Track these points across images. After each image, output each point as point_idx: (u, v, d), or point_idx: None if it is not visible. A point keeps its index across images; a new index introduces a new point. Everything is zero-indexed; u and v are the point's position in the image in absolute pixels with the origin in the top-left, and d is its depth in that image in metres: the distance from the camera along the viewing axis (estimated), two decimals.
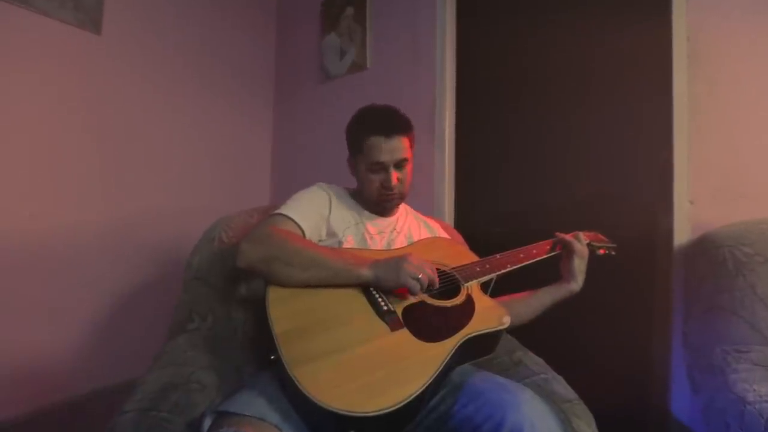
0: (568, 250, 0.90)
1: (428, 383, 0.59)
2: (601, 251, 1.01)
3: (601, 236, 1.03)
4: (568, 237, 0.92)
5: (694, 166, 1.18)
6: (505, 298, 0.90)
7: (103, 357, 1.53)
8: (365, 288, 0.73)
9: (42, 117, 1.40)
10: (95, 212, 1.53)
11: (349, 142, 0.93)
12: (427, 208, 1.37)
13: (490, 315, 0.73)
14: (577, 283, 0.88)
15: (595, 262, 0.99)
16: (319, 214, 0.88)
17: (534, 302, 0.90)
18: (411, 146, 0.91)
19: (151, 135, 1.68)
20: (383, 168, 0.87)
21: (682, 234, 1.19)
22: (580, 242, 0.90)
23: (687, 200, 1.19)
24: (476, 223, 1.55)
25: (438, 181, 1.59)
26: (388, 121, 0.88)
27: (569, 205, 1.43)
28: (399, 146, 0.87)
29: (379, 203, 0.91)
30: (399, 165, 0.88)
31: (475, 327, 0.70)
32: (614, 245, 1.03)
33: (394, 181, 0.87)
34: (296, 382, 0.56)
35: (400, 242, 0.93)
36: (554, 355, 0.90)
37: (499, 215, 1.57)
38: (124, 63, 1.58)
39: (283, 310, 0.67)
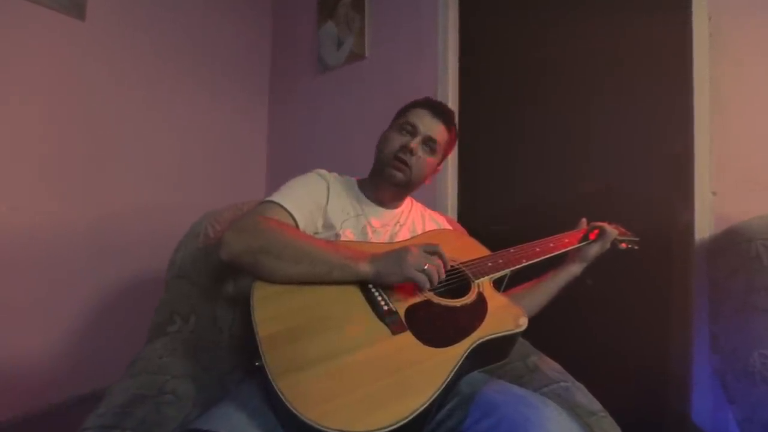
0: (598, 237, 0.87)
1: (436, 395, 0.51)
2: (623, 245, 0.94)
3: (623, 229, 0.96)
4: (607, 226, 0.89)
5: (716, 155, 1.10)
6: (510, 291, 0.84)
7: (88, 361, 1.45)
8: (363, 285, 0.65)
9: (23, 105, 1.33)
10: (80, 207, 1.46)
11: (395, 116, 0.90)
12: (430, 204, 1.30)
13: (504, 315, 0.65)
14: (580, 267, 0.87)
15: (609, 258, 0.92)
16: (315, 204, 0.80)
17: (541, 293, 0.85)
18: (443, 148, 0.88)
19: (138, 126, 1.60)
20: (412, 132, 0.83)
21: (703, 227, 1.11)
22: (612, 233, 0.88)
23: (709, 191, 1.11)
24: (481, 220, 1.48)
25: (440, 175, 1.51)
26: (440, 106, 0.87)
27: (580, 200, 1.36)
28: (437, 129, 0.85)
29: (387, 165, 0.83)
30: (426, 143, 0.84)
31: (488, 329, 0.61)
32: (637, 239, 0.96)
33: (414, 147, 0.81)
34: (281, 395, 0.48)
35: (403, 235, 0.86)
36: (564, 358, 0.83)
37: (504, 211, 1.50)
38: (109, 51, 1.51)
39: (270, 310, 0.59)
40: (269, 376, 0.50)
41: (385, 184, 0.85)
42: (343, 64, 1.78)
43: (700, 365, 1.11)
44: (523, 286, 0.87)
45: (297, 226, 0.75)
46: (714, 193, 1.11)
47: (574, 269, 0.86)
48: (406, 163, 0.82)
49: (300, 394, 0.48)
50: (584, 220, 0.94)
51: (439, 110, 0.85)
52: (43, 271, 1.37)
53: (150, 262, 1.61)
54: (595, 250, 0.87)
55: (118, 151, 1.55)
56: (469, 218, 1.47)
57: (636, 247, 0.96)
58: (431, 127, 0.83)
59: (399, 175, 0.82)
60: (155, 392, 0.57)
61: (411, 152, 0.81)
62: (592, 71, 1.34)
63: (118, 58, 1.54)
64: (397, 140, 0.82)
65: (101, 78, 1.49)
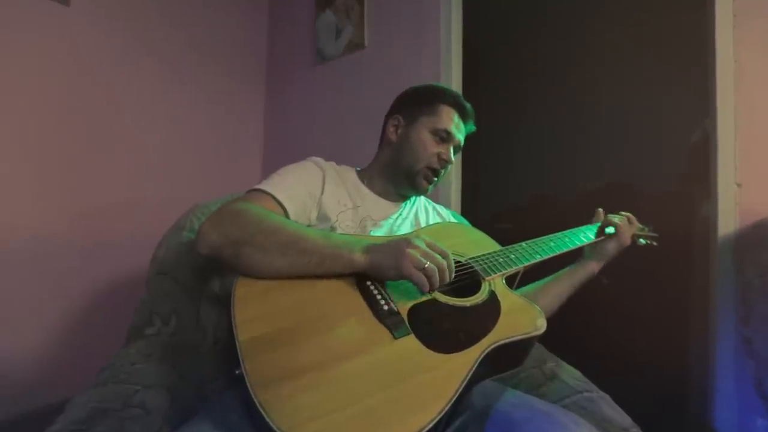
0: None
1: (445, 410, 0.43)
2: (642, 241, 0.87)
3: (639, 224, 0.88)
4: (616, 218, 0.81)
5: (741, 143, 1.03)
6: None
7: (72, 365, 1.37)
8: (361, 282, 0.57)
9: (3, 95, 1.25)
10: (65, 202, 1.39)
11: (411, 102, 0.84)
12: (432, 199, 1.23)
13: (520, 316, 0.57)
14: (599, 265, 0.81)
15: (625, 256, 0.84)
16: (309, 194, 0.73)
17: (554, 292, 0.78)
18: None
19: (127, 118, 1.53)
20: (447, 140, 0.80)
21: (728, 222, 1.03)
22: (631, 227, 0.81)
23: (734, 182, 1.03)
24: (485, 218, 1.41)
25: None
26: (466, 104, 0.83)
27: (590, 195, 1.28)
28: (464, 132, 0.83)
29: (420, 175, 0.80)
30: (456, 150, 0.83)
31: (503, 332, 0.54)
32: (656, 235, 0.89)
33: (450, 158, 0.80)
34: (261, 410, 0.40)
35: (405, 230, 0.79)
36: (575, 361, 0.76)
37: (509, 208, 1.43)
38: (95, 38, 1.44)
39: (253, 309, 0.51)
40: (249, 388, 0.42)
41: (403, 183, 0.81)
42: (341, 55, 1.72)
43: (724, 370, 1.03)
44: (537, 285, 0.80)
45: (288, 217, 0.68)
46: (739, 185, 1.03)
47: (592, 267, 0.80)
48: (438, 174, 0.80)
49: (284, 409, 0.41)
50: (600, 210, 0.87)
51: (466, 113, 0.82)
52: (22, 272, 1.30)
53: (140, 260, 1.53)
54: (613, 245, 0.79)
55: (105, 143, 1.48)
56: (473, 216, 1.41)
57: (655, 244, 0.90)
58: (460, 131, 0.82)
59: (430, 186, 0.82)
60: (120, 405, 0.50)
61: (446, 163, 0.79)
62: (603, 57, 1.27)
63: (105, 46, 1.46)
64: (433, 148, 0.79)
65: (87, 67, 1.42)
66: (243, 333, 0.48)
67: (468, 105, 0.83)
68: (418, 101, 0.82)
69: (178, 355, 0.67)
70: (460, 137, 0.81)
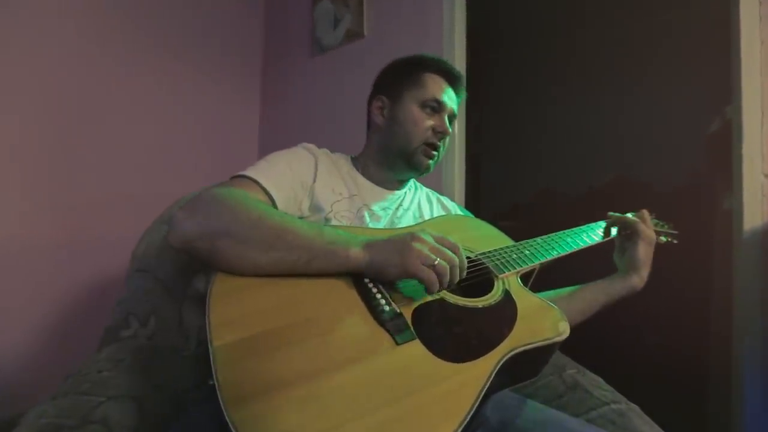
0: (630, 234, 0.70)
1: (459, 429, 0.36)
2: (662, 238, 0.80)
3: (654, 219, 0.82)
4: (629, 217, 0.72)
5: None
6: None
7: (62, 367, 1.30)
8: (358, 279, 0.50)
9: None
10: (48, 198, 1.32)
11: (392, 78, 0.77)
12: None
13: (540, 319, 0.50)
14: (640, 277, 0.69)
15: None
16: (300, 182, 0.66)
17: (583, 300, 0.69)
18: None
19: (117, 110, 1.47)
20: (439, 109, 0.72)
21: (754, 215, 0.97)
22: (647, 224, 0.70)
23: (761, 173, 0.97)
24: (487, 214, 1.34)
25: (447, 166, 1.38)
26: (453, 69, 0.76)
27: (600, 191, 1.22)
28: (456, 100, 0.76)
29: (416, 154, 0.72)
30: (450, 120, 0.75)
31: (521, 338, 0.47)
32: (675, 232, 0.84)
33: (447, 130, 0.72)
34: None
35: (406, 222, 0.72)
36: (585, 365, 0.70)
37: (515, 205, 1.37)
38: (83, 25, 1.37)
39: (231, 310, 0.44)
40: (221, 404, 0.36)
41: (401, 166, 0.74)
42: (340, 44, 1.66)
43: (751, 376, 0.96)
44: (564, 290, 0.72)
45: (275, 207, 0.61)
46: (767, 175, 0.96)
47: (633, 281, 0.68)
48: (437, 148, 0.73)
49: (263, 430, 0.34)
50: (610, 214, 0.78)
51: (454, 77, 0.76)
52: (13, 267, 1.24)
53: (128, 260, 1.47)
54: (642, 249, 0.68)
55: (94, 136, 1.41)
56: (476, 213, 1.35)
57: (675, 241, 0.83)
58: (452, 99, 0.74)
59: (431, 163, 0.74)
60: (77, 421, 0.43)
61: (443, 135, 0.72)
62: (614, 42, 1.20)
63: (94, 35, 1.40)
64: (426, 122, 0.71)
65: (74, 57, 1.36)
66: (218, 337, 0.41)
67: (455, 69, 0.76)
68: (400, 75, 0.75)
69: (156, 360, 0.60)
70: (452, 105, 0.74)
